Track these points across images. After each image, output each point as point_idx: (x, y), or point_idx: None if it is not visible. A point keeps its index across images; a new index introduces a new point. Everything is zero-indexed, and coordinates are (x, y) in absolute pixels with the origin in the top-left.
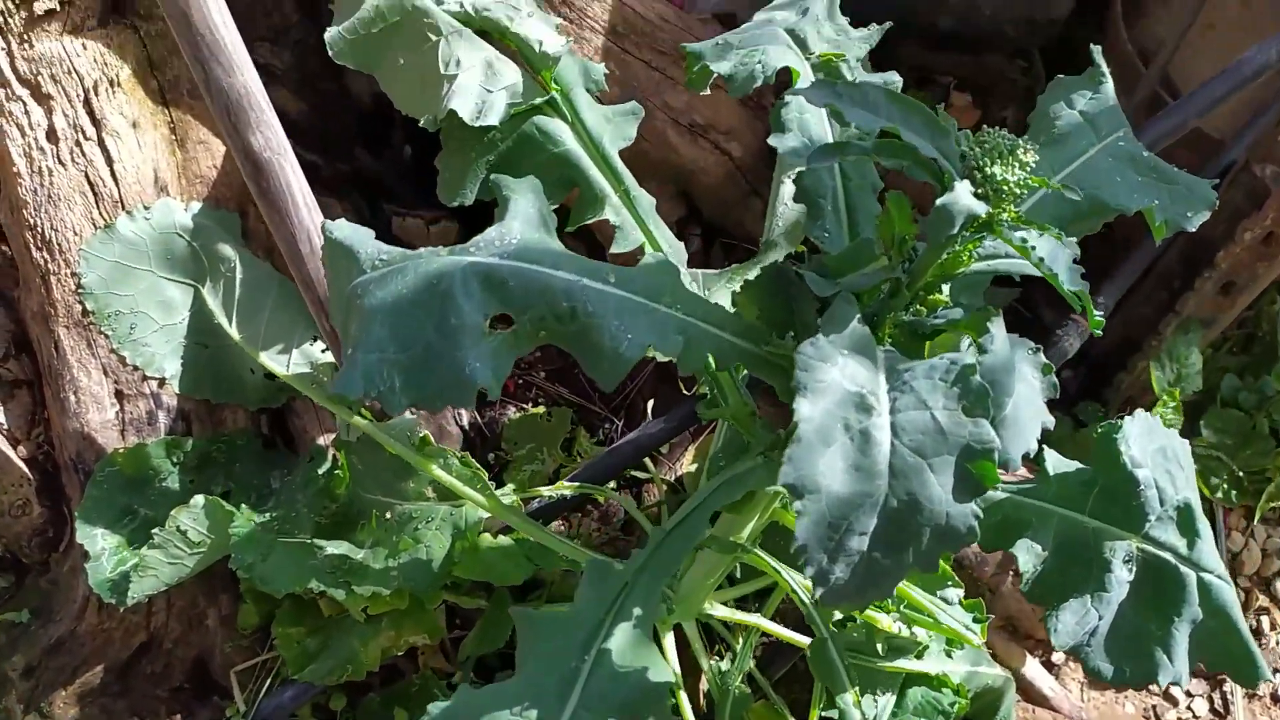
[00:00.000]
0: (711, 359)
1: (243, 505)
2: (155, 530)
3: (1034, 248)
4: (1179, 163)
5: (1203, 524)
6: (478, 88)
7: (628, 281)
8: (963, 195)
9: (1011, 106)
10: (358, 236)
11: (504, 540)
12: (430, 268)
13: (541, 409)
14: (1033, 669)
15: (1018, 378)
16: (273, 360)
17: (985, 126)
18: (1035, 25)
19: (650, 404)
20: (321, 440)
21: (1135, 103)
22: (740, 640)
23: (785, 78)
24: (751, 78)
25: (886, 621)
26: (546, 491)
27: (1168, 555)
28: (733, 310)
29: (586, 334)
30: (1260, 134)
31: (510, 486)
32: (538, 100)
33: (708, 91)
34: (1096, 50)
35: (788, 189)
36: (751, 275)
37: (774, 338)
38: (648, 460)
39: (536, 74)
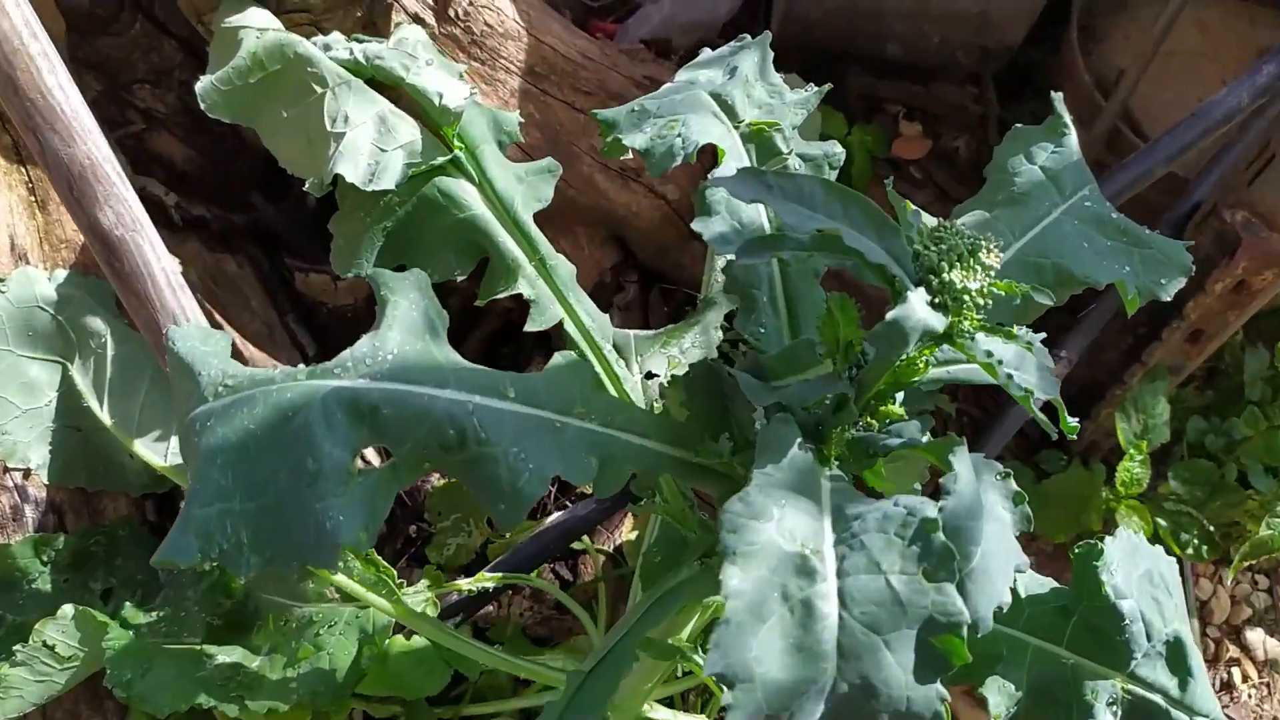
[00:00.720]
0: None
1: (126, 604)
2: (18, 647)
3: (1000, 361)
4: (1141, 201)
5: (1195, 659)
6: (369, 147)
7: (531, 394)
8: (918, 307)
9: (964, 135)
10: (202, 353)
11: (418, 641)
12: (284, 398)
13: None
14: None
15: (986, 517)
16: (149, 449)
17: (942, 222)
18: (987, 52)
19: None
20: None
21: (1094, 136)
22: None
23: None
24: (670, 155)
25: None
26: (466, 585)
27: (1157, 698)
28: (660, 404)
29: (478, 465)
30: (1229, 177)
31: (424, 583)
32: (439, 160)
33: (628, 155)
34: (1058, 98)
35: None
36: (691, 343)
37: (707, 440)
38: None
39: (438, 130)
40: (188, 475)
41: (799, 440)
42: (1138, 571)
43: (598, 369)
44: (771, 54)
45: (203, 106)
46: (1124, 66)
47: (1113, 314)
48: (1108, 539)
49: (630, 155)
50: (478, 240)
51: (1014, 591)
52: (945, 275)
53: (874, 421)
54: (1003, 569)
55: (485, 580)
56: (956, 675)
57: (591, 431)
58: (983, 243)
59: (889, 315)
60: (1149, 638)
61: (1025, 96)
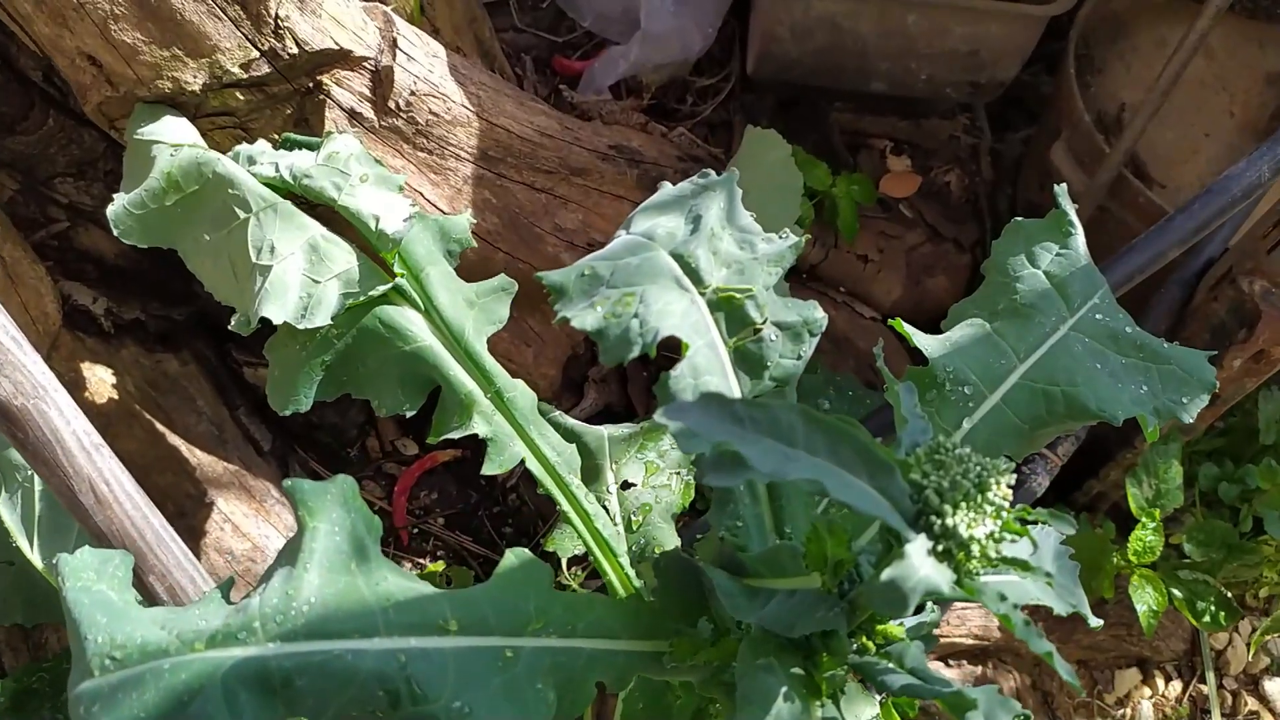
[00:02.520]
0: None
1: None
2: None
3: (1017, 606)
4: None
5: None
6: (300, 279)
7: (477, 620)
8: (919, 564)
9: (955, 169)
10: (92, 600)
11: None
12: (177, 680)
13: (441, 565)
14: None
15: None
16: None
17: (941, 441)
18: (979, 87)
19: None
20: None
21: (1097, 184)
22: None
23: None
24: (626, 342)
25: None
26: None
27: None
28: (634, 585)
29: None
30: (1245, 242)
31: None
32: (380, 290)
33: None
34: (1061, 190)
35: None
36: (669, 445)
37: (684, 629)
38: None
39: (377, 253)
40: None
41: (784, 690)
42: None
43: (566, 507)
44: (739, 193)
45: (115, 232)
46: (1127, 101)
47: None
48: None
49: (598, 236)
50: (428, 373)
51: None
52: (949, 520)
53: (869, 643)
54: None
55: None
56: None
57: (549, 650)
58: (993, 472)
59: (885, 575)
60: None
61: (1019, 124)
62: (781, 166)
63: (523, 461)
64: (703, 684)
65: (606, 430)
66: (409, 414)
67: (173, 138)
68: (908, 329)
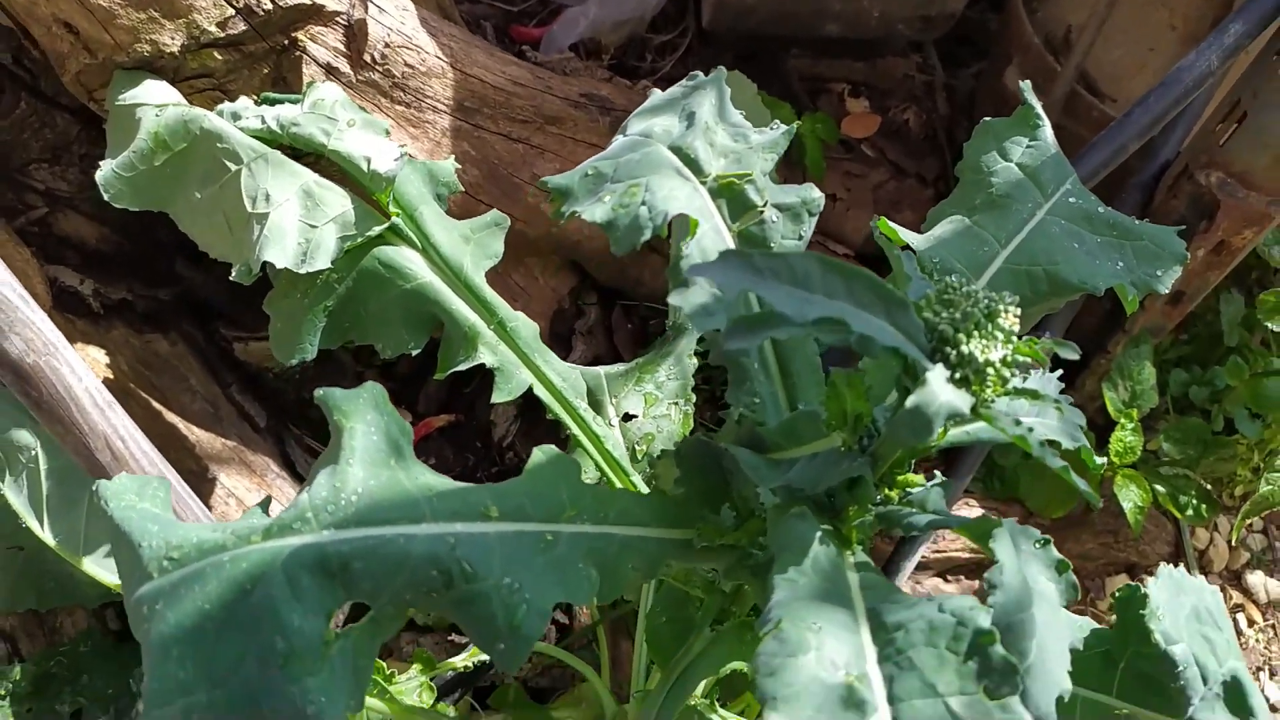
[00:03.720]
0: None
1: None
2: None
3: (1031, 430)
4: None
5: (1255, 697)
6: (297, 225)
7: (516, 508)
8: (940, 390)
9: (912, 107)
10: (139, 515)
11: None
12: (238, 571)
13: None
14: None
15: (1035, 600)
16: (99, 566)
17: (948, 282)
18: (930, 21)
19: None
20: None
21: (1051, 101)
22: None
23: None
24: (636, 228)
25: None
26: (460, 663)
27: None
28: (650, 477)
29: (468, 606)
30: (1198, 137)
31: (415, 668)
32: (376, 230)
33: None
34: (1026, 87)
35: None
36: (666, 376)
37: (707, 514)
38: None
39: (370, 196)
40: (144, 658)
41: (819, 534)
42: (1184, 611)
43: (575, 430)
44: (729, 91)
45: (106, 197)
46: (1073, 23)
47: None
48: (1150, 581)
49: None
50: (430, 310)
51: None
52: (964, 348)
53: (892, 493)
54: (1059, 655)
55: (479, 654)
56: None
57: (585, 535)
58: (1000, 302)
59: (909, 402)
60: (1205, 680)
61: (969, 60)
62: (750, 106)
63: (518, 416)
64: (729, 571)
65: (602, 370)
66: (414, 352)
67: (156, 99)
68: (892, 225)
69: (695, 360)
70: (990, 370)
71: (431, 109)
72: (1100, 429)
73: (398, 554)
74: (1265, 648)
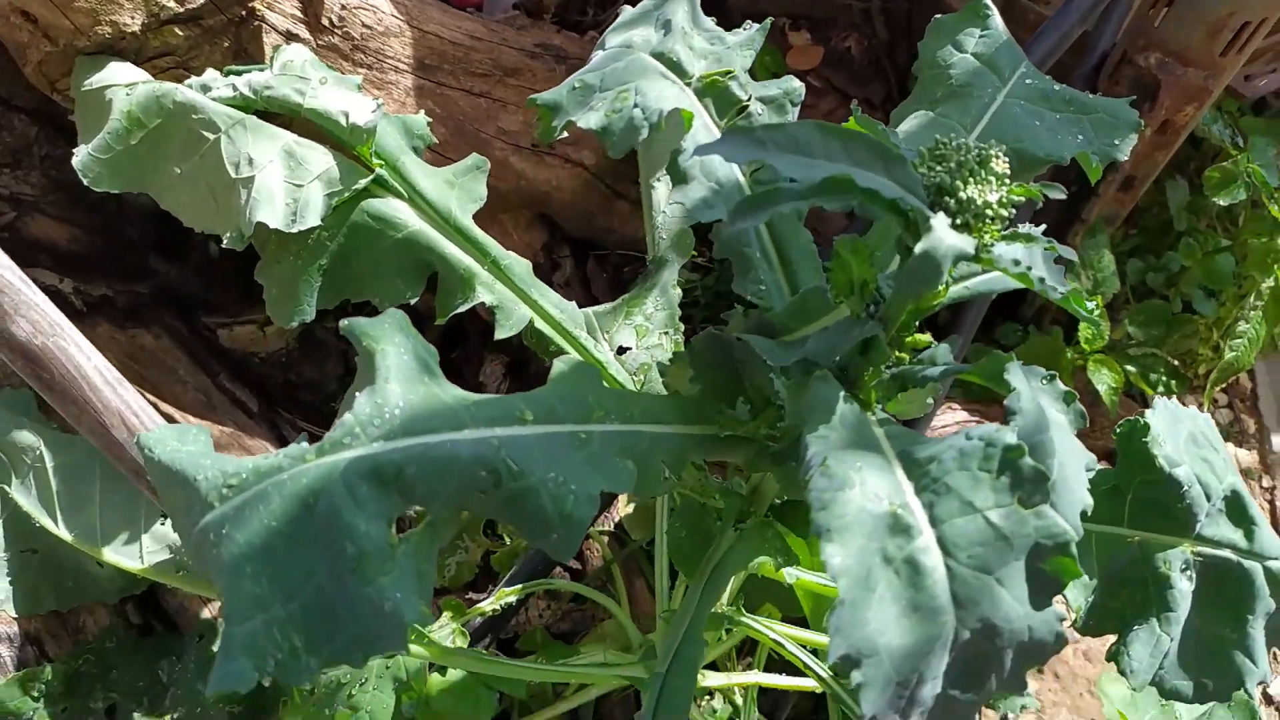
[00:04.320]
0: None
1: (135, 716)
2: None
3: (1030, 268)
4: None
5: (1253, 508)
6: (283, 186)
7: (548, 411)
8: (945, 235)
9: (853, 34)
10: (189, 452)
11: (454, 675)
12: (300, 485)
13: None
14: None
15: (1050, 425)
16: (120, 555)
17: (939, 139)
18: None
19: None
20: (206, 613)
21: None
22: (739, 692)
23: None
24: (633, 129)
25: None
26: (488, 607)
27: (1227, 553)
28: (663, 380)
29: (520, 501)
30: (1133, 22)
31: (447, 615)
32: (362, 183)
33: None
34: None
35: (661, 193)
36: (653, 307)
37: (725, 410)
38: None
39: (351, 151)
40: (216, 592)
41: (842, 395)
42: (1182, 436)
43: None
44: None
45: (85, 181)
46: None
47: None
48: (1148, 412)
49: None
50: (423, 257)
51: None
52: (962, 194)
53: (903, 355)
54: (1078, 474)
55: (506, 596)
56: None
57: (617, 434)
58: (991, 150)
59: (918, 248)
60: (1208, 498)
61: None
62: None
63: (506, 375)
64: (750, 462)
65: (590, 309)
66: (412, 301)
67: (124, 79)
68: (857, 116)
69: (679, 290)
70: (989, 212)
71: (393, 69)
72: (1067, 325)
73: (446, 458)
74: None
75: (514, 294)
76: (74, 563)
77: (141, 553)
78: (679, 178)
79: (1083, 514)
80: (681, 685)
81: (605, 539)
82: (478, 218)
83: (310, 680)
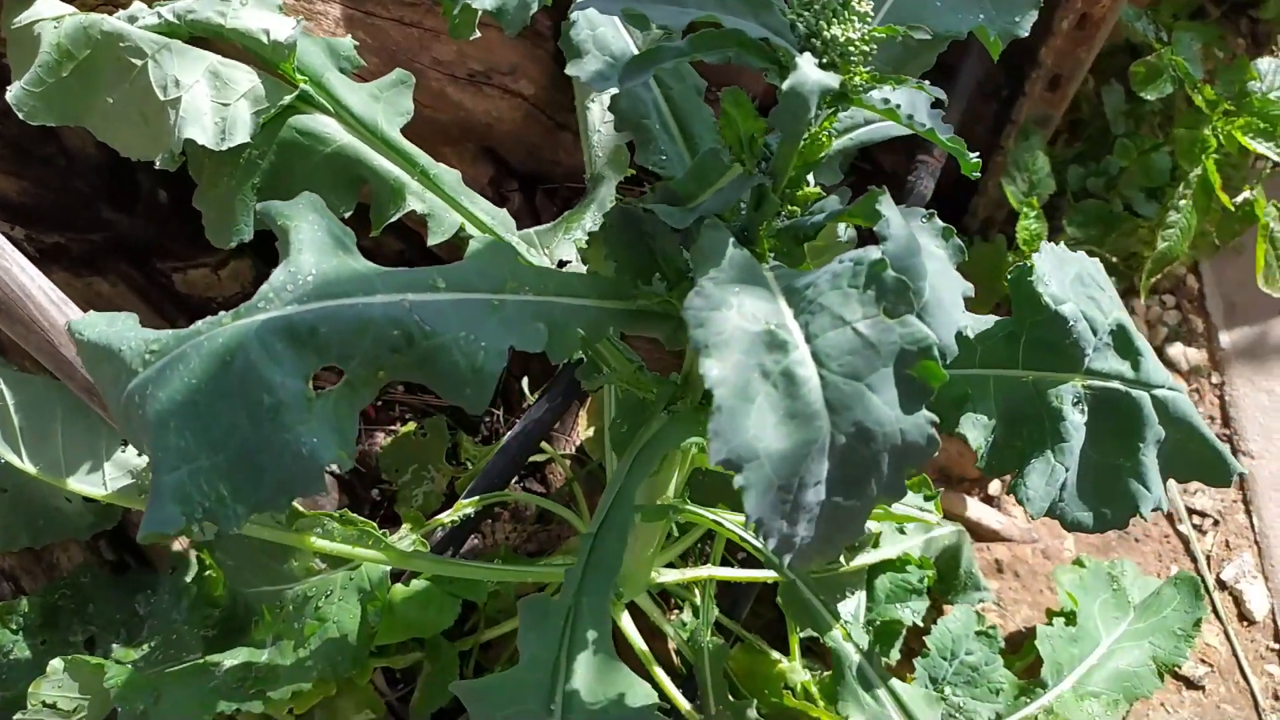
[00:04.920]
0: (585, 333)
1: (113, 646)
2: (18, 716)
3: (899, 106)
4: None
5: (1139, 340)
6: (210, 104)
7: (462, 280)
8: (810, 71)
9: None
10: (117, 330)
11: (419, 584)
12: (216, 344)
13: (412, 425)
14: (976, 509)
15: (925, 255)
16: (84, 483)
17: None
18: None
19: (525, 381)
20: (177, 545)
21: None
22: (698, 593)
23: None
24: (524, 5)
25: None
26: (447, 518)
27: (1115, 383)
28: (585, 268)
29: (432, 359)
30: None
31: (406, 527)
32: (288, 99)
33: (477, 34)
34: None
35: (596, 114)
36: (592, 222)
37: (640, 286)
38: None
39: (276, 69)
40: (142, 446)
41: (732, 240)
42: (1069, 277)
43: None
44: None
45: (21, 115)
46: None
47: (976, 77)
48: (1035, 255)
49: (476, 65)
50: (353, 170)
51: (963, 335)
52: (826, 34)
53: (795, 208)
54: (952, 297)
55: (464, 508)
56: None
57: (531, 303)
58: None
59: (785, 85)
60: (1094, 332)
61: None
62: None
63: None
64: (670, 338)
65: (532, 229)
66: (346, 215)
67: (51, 13)
68: None
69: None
70: (853, 50)
71: (322, 0)
72: (1010, 234)
73: (359, 318)
74: None
75: (444, 202)
76: (44, 500)
77: (105, 480)
78: (574, 53)
79: (981, 359)
80: (610, 544)
81: (567, 462)
82: (419, 147)
83: (237, 526)
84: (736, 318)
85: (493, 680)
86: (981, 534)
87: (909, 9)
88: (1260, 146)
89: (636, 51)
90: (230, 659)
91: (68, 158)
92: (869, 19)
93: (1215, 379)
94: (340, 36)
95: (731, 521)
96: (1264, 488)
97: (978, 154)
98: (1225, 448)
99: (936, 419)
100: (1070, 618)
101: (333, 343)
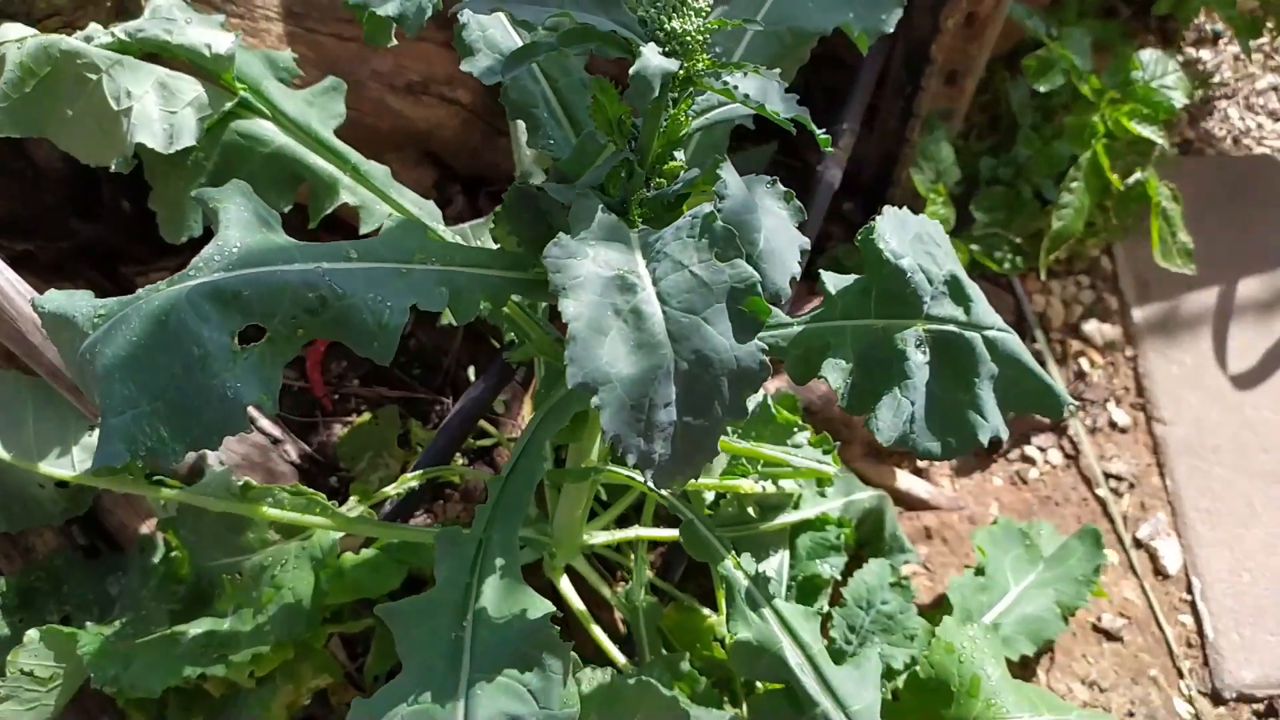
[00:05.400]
0: (488, 301)
1: (87, 624)
2: None
3: (736, 87)
4: None
5: (972, 289)
6: (159, 112)
7: (372, 252)
8: (652, 57)
9: None
10: (72, 301)
11: (368, 553)
12: (153, 306)
13: (367, 416)
14: (905, 480)
15: (763, 212)
16: (55, 467)
17: None
18: None
19: (471, 370)
20: (145, 528)
21: None
22: (633, 556)
23: None
24: (420, 10)
25: (749, 485)
26: (393, 490)
27: (950, 326)
28: (496, 246)
29: (345, 318)
30: None
31: (354, 499)
32: (229, 105)
33: (394, 42)
34: None
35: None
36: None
37: (538, 257)
38: (490, 427)
39: (218, 80)
40: (94, 397)
41: (602, 206)
42: (909, 236)
43: None
44: None
45: None
46: None
47: (876, 75)
48: (878, 217)
49: (414, 75)
50: (291, 169)
51: (826, 292)
52: (667, 25)
53: (664, 181)
54: (788, 248)
55: (409, 481)
56: (803, 371)
57: (436, 272)
58: None
59: (631, 71)
60: (930, 283)
61: None
62: None
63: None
64: None
65: (466, 224)
66: (285, 210)
67: (15, 35)
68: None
69: None
70: (690, 39)
71: (264, 18)
72: None
73: (279, 282)
74: (1109, 382)
75: (374, 194)
76: (20, 487)
77: (74, 463)
78: (466, 51)
79: (841, 311)
80: (518, 486)
81: (512, 443)
82: (362, 155)
83: (176, 462)
84: (591, 265)
85: (411, 601)
86: (911, 503)
87: (784, 12)
88: (1145, 130)
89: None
90: (195, 628)
91: (35, 171)
92: (704, 13)
93: (1129, 352)
94: (285, 51)
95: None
96: (1175, 452)
97: (887, 146)
98: (1056, 383)
99: (765, 347)
100: (981, 570)
101: (255, 304)
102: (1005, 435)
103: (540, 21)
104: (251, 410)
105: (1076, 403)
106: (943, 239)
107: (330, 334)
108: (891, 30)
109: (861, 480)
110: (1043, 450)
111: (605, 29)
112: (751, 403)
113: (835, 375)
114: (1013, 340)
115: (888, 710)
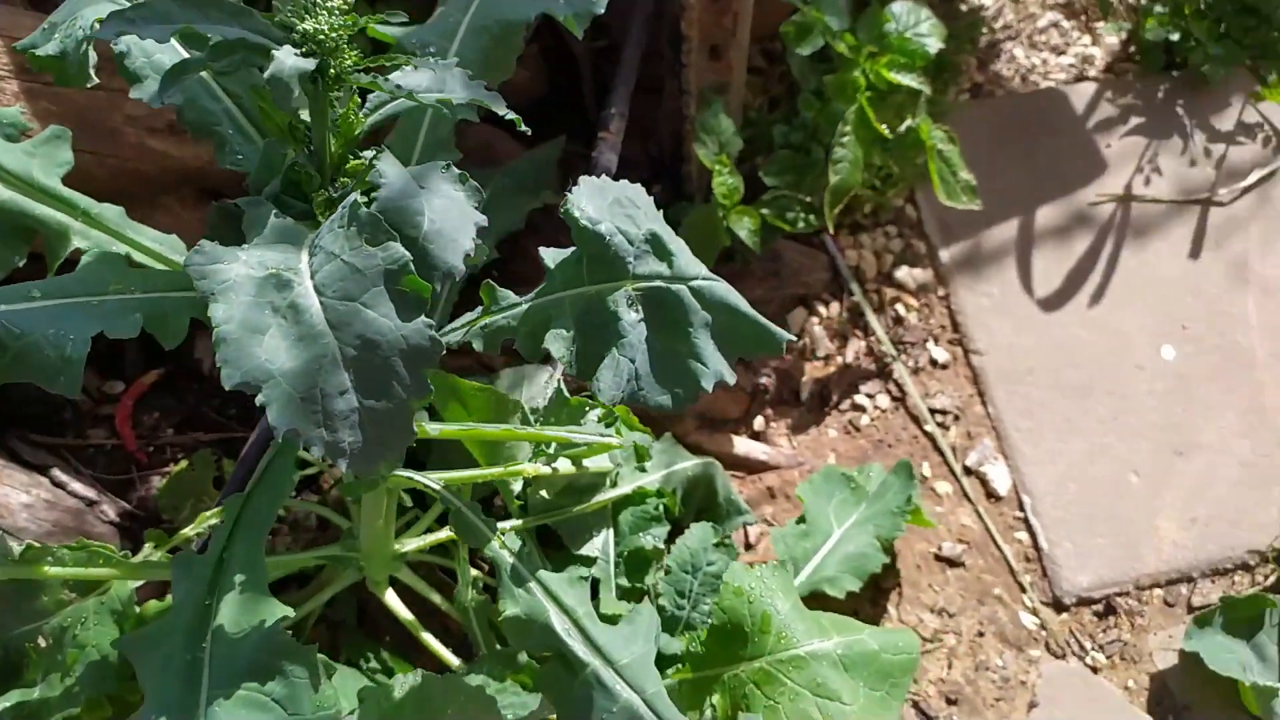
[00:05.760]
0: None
1: None
2: None
3: (400, 85)
4: None
5: (674, 243)
6: None
7: (61, 289)
8: (286, 59)
9: None
10: None
11: (170, 599)
12: None
13: (184, 463)
14: (742, 445)
15: (434, 194)
16: None
17: None
18: None
19: None
20: None
21: None
22: (456, 559)
23: None
24: (80, 49)
25: (532, 468)
26: (191, 531)
27: (657, 282)
28: None
29: (25, 358)
30: None
31: (149, 545)
32: None
33: (95, 81)
34: None
35: None
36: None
37: None
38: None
39: None
40: None
41: (276, 213)
42: (607, 202)
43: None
44: None
45: None
46: None
47: (638, 57)
48: (573, 187)
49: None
50: (18, 221)
51: (546, 267)
52: (299, 27)
53: (348, 180)
54: (460, 227)
55: (208, 519)
56: (532, 346)
57: (134, 299)
58: None
59: (265, 75)
60: (631, 243)
61: None
62: None
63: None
64: None
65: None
66: (20, 264)
67: None
68: (376, 28)
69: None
70: (324, 37)
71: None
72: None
73: None
74: (925, 323)
75: (110, 236)
76: None
77: None
78: (133, 79)
79: (561, 283)
80: (262, 499)
81: (329, 465)
82: (139, 203)
83: None
84: (242, 267)
85: (147, 629)
86: (752, 466)
87: (492, 8)
88: (904, 79)
89: None
90: (4, 702)
91: None
92: (341, 12)
93: (941, 292)
94: (26, 109)
95: (441, 480)
96: (993, 380)
97: (674, 124)
98: (772, 325)
99: (433, 323)
100: (802, 519)
101: None
102: (731, 379)
103: (164, 39)
104: (60, 475)
105: (895, 350)
106: (644, 200)
107: (14, 375)
108: (602, 10)
109: (697, 452)
110: (871, 397)
111: (233, 37)
112: (547, 392)
113: (558, 345)
114: (719, 287)
115: (698, 662)
